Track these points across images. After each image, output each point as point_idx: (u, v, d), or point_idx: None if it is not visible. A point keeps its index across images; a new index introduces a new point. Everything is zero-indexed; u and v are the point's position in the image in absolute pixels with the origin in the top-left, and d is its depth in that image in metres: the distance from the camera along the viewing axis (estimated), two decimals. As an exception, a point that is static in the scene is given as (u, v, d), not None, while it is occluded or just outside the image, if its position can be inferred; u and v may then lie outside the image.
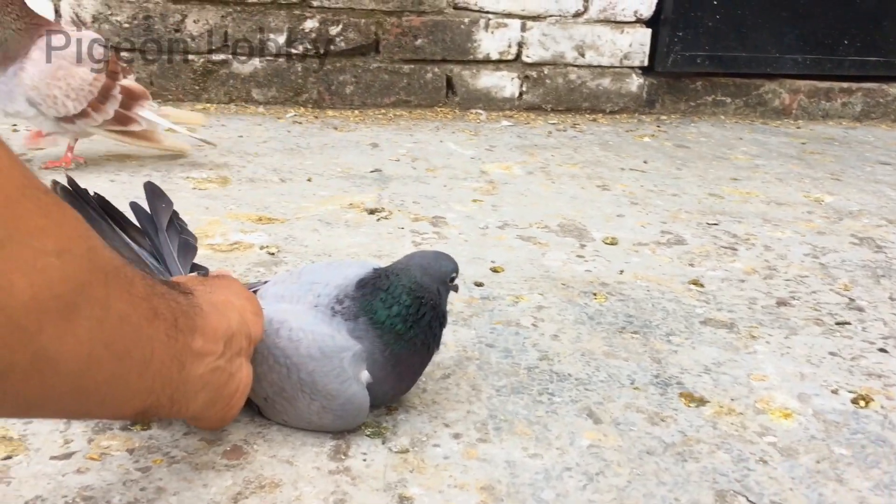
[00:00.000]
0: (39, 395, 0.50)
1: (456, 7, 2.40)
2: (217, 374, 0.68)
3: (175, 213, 0.90)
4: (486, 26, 2.42)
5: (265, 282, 0.89)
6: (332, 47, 2.36)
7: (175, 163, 1.72)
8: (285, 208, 1.48)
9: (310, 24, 2.32)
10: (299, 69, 2.36)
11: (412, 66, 2.43)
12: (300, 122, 2.22)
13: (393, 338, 0.78)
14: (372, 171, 1.77)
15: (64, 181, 0.84)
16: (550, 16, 2.45)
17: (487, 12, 2.41)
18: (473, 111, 2.47)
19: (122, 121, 1.61)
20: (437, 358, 0.96)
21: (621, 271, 1.28)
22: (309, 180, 1.67)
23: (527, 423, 0.84)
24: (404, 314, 0.77)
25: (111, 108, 1.59)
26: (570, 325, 1.08)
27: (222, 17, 2.26)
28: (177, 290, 0.66)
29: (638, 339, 1.05)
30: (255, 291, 0.84)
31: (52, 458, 0.74)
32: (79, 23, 1.75)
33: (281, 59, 2.34)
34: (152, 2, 2.21)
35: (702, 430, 0.85)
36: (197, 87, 2.31)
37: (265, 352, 0.77)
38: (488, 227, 1.45)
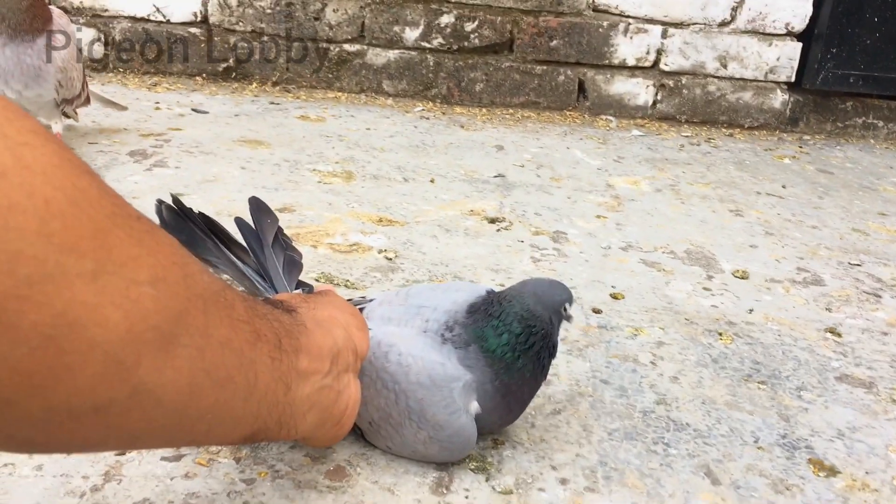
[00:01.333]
0: (143, 427, 0.49)
1: (596, 9, 2.33)
2: (325, 392, 0.67)
3: (280, 229, 0.89)
4: (625, 31, 2.34)
5: (371, 300, 0.87)
6: (465, 43, 2.34)
7: (304, 152, 1.74)
8: (406, 210, 1.48)
9: (445, 20, 2.31)
10: (431, 63, 2.35)
11: (544, 68, 2.38)
12: (427, 118, 2.22)
13: (503, 367, 0.75)
14: (495, 177, 1.74)
15: (168, 200, 0.85)
16: (694, 23, 2.35)
17: (628, 17, 2.33)
18: (603, 117, 2.41)
19: (87, 99, 1.63)
20: (548, 390, 0.93)
21: (751, 310, 1.21)
22: (432, 181, 1.66)
23: (639, 475, 0.80)
24: (513, 343, 0.75)
25: (86, 89, 1.62)
26: (692, 366, 1.02)
27: (361, 7, 2.28)
28: (279, 309, 0.65)
29: (765, 390, 0.98)
30: (360, 309, 0.83)
31: (163, 458, 0.75)
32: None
33: (414, 53, 2.34)
34: (295, -11, 2.25)
35: (831, 505, 0.79)
36: (330, 76, 2.34)
37: (373, 375, 0.76)
38: (611, 248, 1.40)
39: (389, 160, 1.77)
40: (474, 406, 0.76)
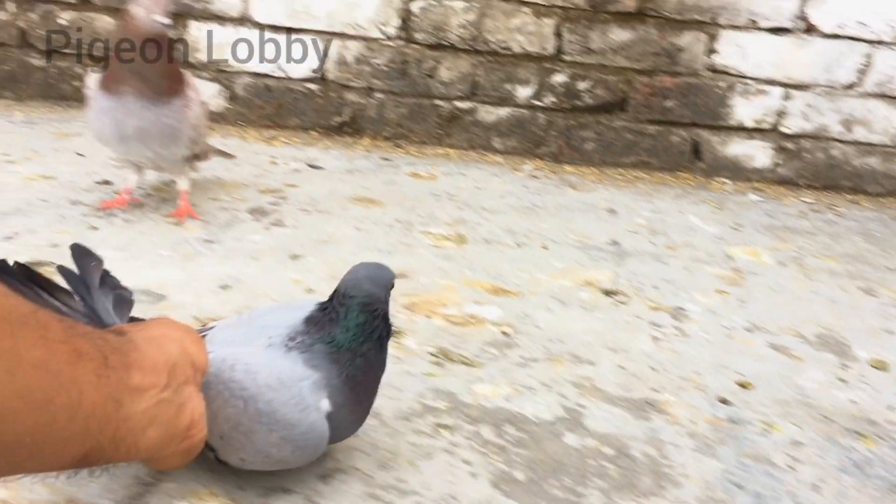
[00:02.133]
0: None
1: (713, 70, 2.27)
2: (164, 406, 0.65)
3: (106, 271, 0.87)
4: (744, 92, 2.27)
5: (211, 327, 0.89)
6: (577, 102, 2.31)
7: (415, 212, 1.75)
8: (519, 278, 1.45)
9: (558, 78, 2.30)
10: (542, 121, 2.34)
11: (658, 128, 2.33)
12: (537, 177, 2.20)
13: (348, 359, 0.79)
14: (609, 244, 1.70)
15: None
16: (818, 85, 2.26)
17: (747, 78, 2.27)
18: (718, 179, 2.33)
19: (207, 153, 1.68)
20: (679, 493, 0.88)
21: (893, 408, 1.12)
22: (544, 248, 1.63)
23: None
24: (359, 332, 0.79)
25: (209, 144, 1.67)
26: (833, 472, 0.95)
27: (473, 65, 2.29)
28: (105, 330, 0.64)
29: (917, 506, 0.90)
30: (202, 336, 0.83)
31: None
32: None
33: (525, 111, 2.33)
34: (411, 47, 2.29)
35: None
36: (440, 132, 2.36)
37: (220, 387, 0.77)
38: (734, 328, 1.34)
39: (500, 222, 1.76)
40: (325, 404, 0.78)
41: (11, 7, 2.27)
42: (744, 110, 2.29)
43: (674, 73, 2.28)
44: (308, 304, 0.85)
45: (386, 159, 2.19)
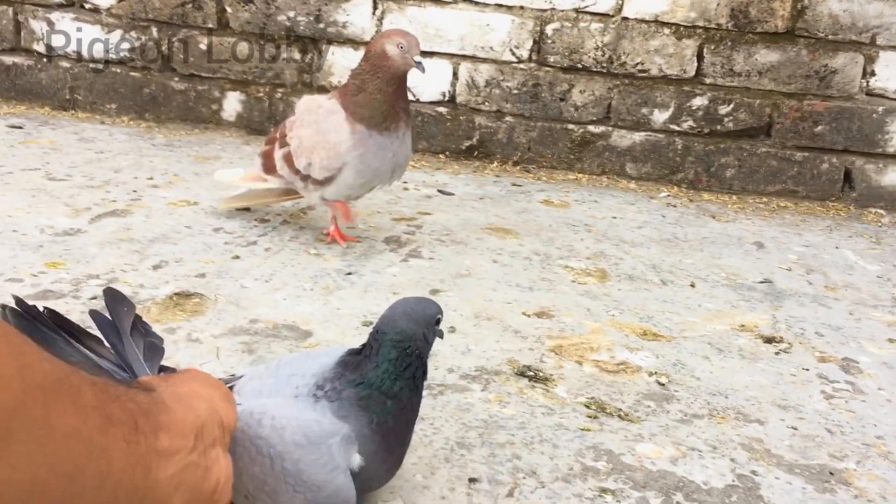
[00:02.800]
0: None
1: (869, 93, 2.12)
2: (191, 470, 0.62)
3: (138, 317, 0.83)
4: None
5: (240, 376, 0.84)
6: (718, 127, 2.20)
7: (553, 244, 1.68)
8: (670, 321, 1.36)
9: (698, 102, 2.19)
10: (679, 147, 2.24)
11: (806, 154, 2.19)
12: (674, 206, 2.10)
13: (379, 403, 0.75)
14: (761, 282, 1.59)
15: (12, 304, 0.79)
16: None
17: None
18: (873, 210, 2.17)
19: None
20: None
21: None
22: (692, 286, 1.53)
23: None
24: (392, 370, 0.75)
25: None
26: None
27: (609, 88, 2.21)
28: (135, 389, 0.61)
29: None
30: (230, 387, 0.78)
31: None
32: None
33: (661, 135, 2.24)
34: (543, 70, 2.23)
35: None
36: (572, 157, 2.29)
37: (247, 443, 0.72)
38: (916, 385, 1.21)
39: (642, 256, 1.67)
40: (356, 459, 0.74)
41: (154, 31, 2.35)
42: (903, 135, 2.12)
43: (825, 97, 2.14)
44: (338, 350, 0.81)
45: (516, 185, 2.14)
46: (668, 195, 2.19)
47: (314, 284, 1.38)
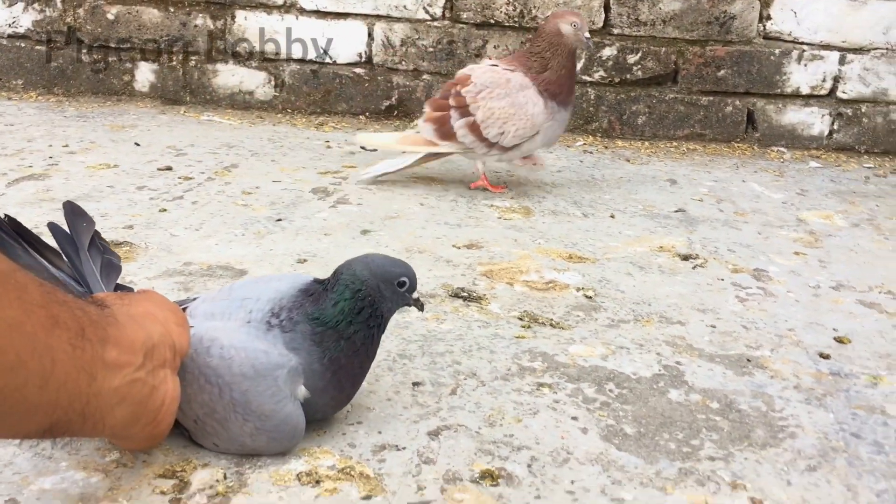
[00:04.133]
0: None
1: (767, 37, 2.23)
2: (136, 386, 0.63)
3: (97, 233, 0.84)
4: (799, 58, 2.23)
5: (193, 298, 0.86)
6: (627, 76, 2.28)
7: (477, 189, 1.73)
8: (593, 246, 1.42)
9: (608, 52, 2.26)
10: (592, 97, 2.31)
11: (711, 98, 2.29)
12: (590, 152, 2.17)
13: (333, 341, 0.76)
14: (676, 211, 1.67)
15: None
16: (875, 48, 2.21)
17: (802, 43, 2.22)
18: (775, 149, 2.29)
19: None
20: (795, 443, 0.85)
21: None
22: (612, 217, 1.60)
23: (926, 546, 0.71)
24: (346, 310, 0.76)
25: None
26: (951, 421, 0.92)
27: (522, 43, 2.27)
28: (85, 301, 0.62)
29: None
30: (183, 308, 0.80)
31: (409, 503, 0.72)
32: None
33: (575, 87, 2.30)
34: (457, 27, 2.27)
35: None
36: (490, 112, 2.33)
37: (195, 371, 0.74)
38: (820, 287, 1.30)
39: (563, 195, 1.73)
40: (301, 391, 0.76)
41: (58, 2, 2.28)
42: (799, 77, 2.24)
43: (727, 42, 2.24)
44: (293, 278, 0.81)
45: (438, 140, 2.17)
46: (584, 143, 2.26)
47: (245, 230, 1.38)
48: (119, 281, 0.86)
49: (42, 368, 0.54)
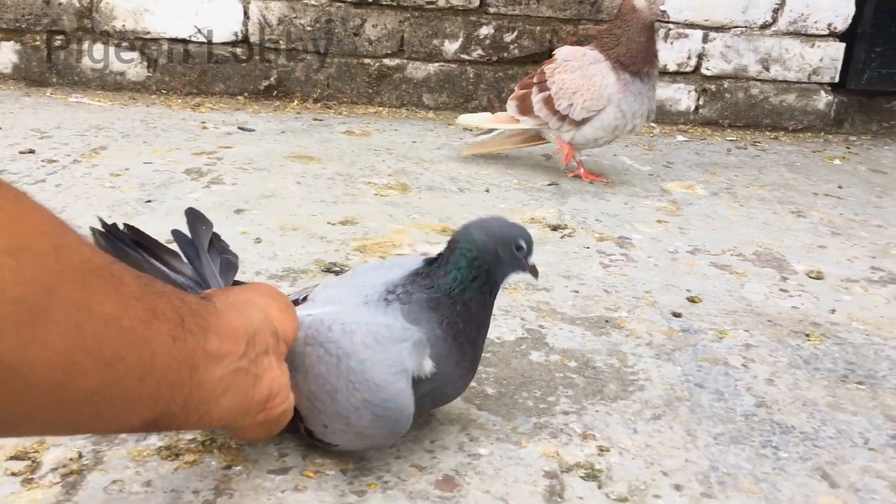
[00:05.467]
0: (14, 409, 0.46)
1: (635, 16, 2.31)
2: (240, 375, 0.62)
3: (215, 235, 0.88)
4: (666, 36, 2.33)
5: (316, 285, 0.86)
6: (505, 54, 2.33)
7: (356, 166, 1.74)
8: (467, 219, 1.45)
9: (485, 31, 2.30)
10: (471, 75, 2.34)
11: (585, 76, 2.36)
12: (470, 130, 2.20)
13: (448, 307, 0.74)
14: (549, 185, 1.72)
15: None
16: (735, 27, 2.33)
17: (668, 22, 2.31)
18: (646, 124, 2.38)
19: None
20: (643, 395, 0.90)
21: (833, 311, 1.18)
22: (487, 191, 1.64)
23: (753, 480, 0.77)
24: (457, 276, 0.74)
25: None
26: (785, 368, 1.00)
27: (400, 21, 2.28)
28: (185, 292, 0.62)
29: (865, 391, 0.95)
30: (304, 297, 0.82)
31: (270, 471, 0.73)
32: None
33: (453, 65, 2.33)
34: (335, 5, 2.26)
35: (958, 506, 0.75)
36: (371, 91, 2.34)
37: (316, 346, 0.73)
38: (678, 252, 1.38)
39: (441, 171, 1.76)
40: (428, 365, 0.73)
41: None
42: (667, 54, 2.34)
43: (598, 21, 2.31)
44: (413, 261, 0.80)
45: (318, 119, 2.17)
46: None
47: (112, 213, 1.35)
48: None
49: (141, 361, 0.52)
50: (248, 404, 0.64)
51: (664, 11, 1.65)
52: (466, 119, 1.92)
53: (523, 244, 0.77)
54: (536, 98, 1.74)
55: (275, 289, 0.75)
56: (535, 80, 1.78)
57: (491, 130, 1.87)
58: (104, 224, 0.82)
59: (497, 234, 0.76)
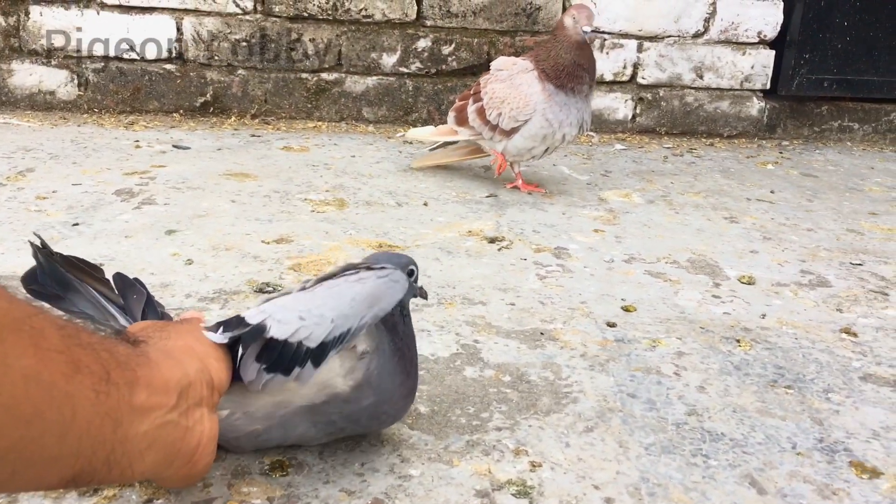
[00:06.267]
0: None
1: (571, 27, 2.34)
2: (168, 429, 0.60)
3: (150, 297, 0.85)
4: (601, 47, 2.35)
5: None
6: (443, 66, 2.33)
7: (292, 182, 1.72)
8: (404, 234, 1.45)
9: (422, 44, 2.30)
10: (410, 88, 2.34)
11: (523, 87, 2.38)
12: (411, 143, 2.20)
13: (391, 326, 0.76)
14: (487, 196, 1.73)
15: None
16: (668, 36, 2.37)
17: (603, 32, 2.35)
18: (585, 134, 2.40)
19: None
20: (577, 407, 0.91)
21: (763, 315, 1.20)
22: (425, 205, 1.64)
23: (683, 489, 0.78)
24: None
25: None
26: (716, 375, 1.01)
27: (337, 35, 2.27)
28: (115, 340, 0.60)
29: (793, 395, 0.97)
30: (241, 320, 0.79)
31: (194, 503, 0.71)
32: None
33: (392, 78, 2.33)
34: (270, 20, 2.24)
35: (881, 507, 0.77)
36: (309, 105, 2.32)
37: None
38: (614, 261, 1.39)
39: (379, 185, 1.75)
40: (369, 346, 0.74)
41: None
42: (603, 64, 2.37)
43: (534, 32, 2.34)
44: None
45: (255, 136, 2.14)
46: (404, 135, 2.29)
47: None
48: None
49: (61, 418, 0.51)
50: (174, 457, 0.63)
51: (588, 32, 1.65)
52: (414, 133, 1.94)
53: (413, 269, 0.80)
54: (471, 109, 1.76)
55: (207, 338, 0.71)
56: (472, 91, 1.80)
57: (440, 144, 1.88)
58: (43, 243, 0.80)
59: (399, 262, 0.78)
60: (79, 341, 0.54)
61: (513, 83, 1.70)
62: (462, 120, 1.79)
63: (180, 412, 0.62)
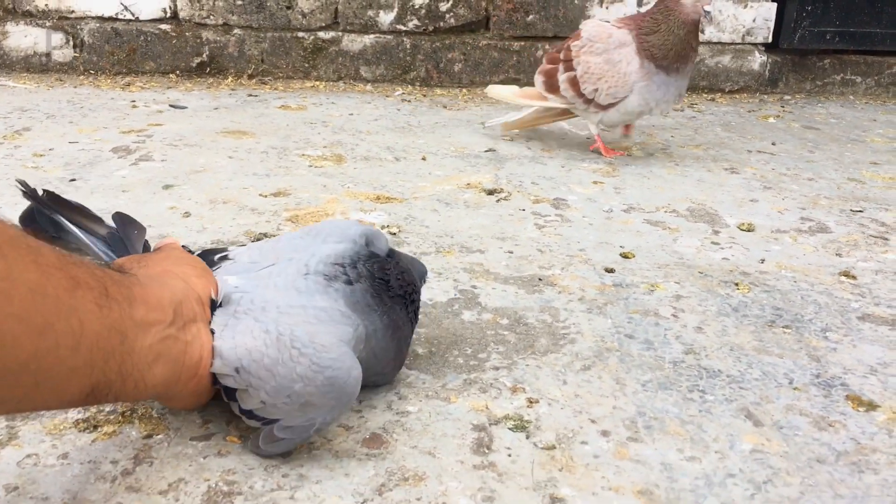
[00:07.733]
0: None
1: (570, -19, 2.31)
2: (170, 342, 0.63)
3: (146, 242, 0.86)
4: (601, 2, 2.33)
5: (222, 250, 0.83)
6: (441, 24, 2.31)
7: (290, 140, 1.71)
8: (402, 187, 1.45)
9: (419, 1, 2.28)
10: (408, 46, 2.32)
11: (522, 43, 2.36)
12: (409, 101, 2.19)
13: (396, 302, 0.77)
14: (486, 151, 1.72)
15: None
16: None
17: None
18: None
19: None
20: (574, 347, 0.91)
21: (762, 260, 1.19)
22: (423, 159, 1.63)
23: (679, 423, 0.78)
24: (418, 289, 0.82)
25: None
26: (714, 317, 1.01)
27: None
28: (102, 263, 0.63)
29: (790, 334, 0.97)
30: (223, 257, 0.80)
31: (193, 438, 0.72)
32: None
33: (389, 37, 2.31)
34: (265, -21, 2.21)
35: (876, 437, 0.77)
36: (307, 65, 2.30)
37: (248, 321, 0.69)
38: (612, 211, 1.39)
39: (377, 142, 1.74)
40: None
41: None
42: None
43: (533, -12, 2.31)
44: (348, 226, 0.82)
45: (252, 95, 2.13)
46: (403, 93, 2.27)
47: (34, 193, 1.31)
48: None
49: (71, 329, 0.52)
50: (181, 371, 0.65)
51: (708, 13, 1.55)
52: (496, 92, 1.83)
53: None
54: (562, 77, 1.68)
55: (186, 253, 0.74)
56: (561, 56, 1.70)
57: (521, 108, 1.81)
58: (24, 184, 0.82)
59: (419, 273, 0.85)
60: (73, 260, 0.55)
61: (610, 59, 1.62)
62: (552, 87, 1.70)
63: (178, 328, 0.64)
